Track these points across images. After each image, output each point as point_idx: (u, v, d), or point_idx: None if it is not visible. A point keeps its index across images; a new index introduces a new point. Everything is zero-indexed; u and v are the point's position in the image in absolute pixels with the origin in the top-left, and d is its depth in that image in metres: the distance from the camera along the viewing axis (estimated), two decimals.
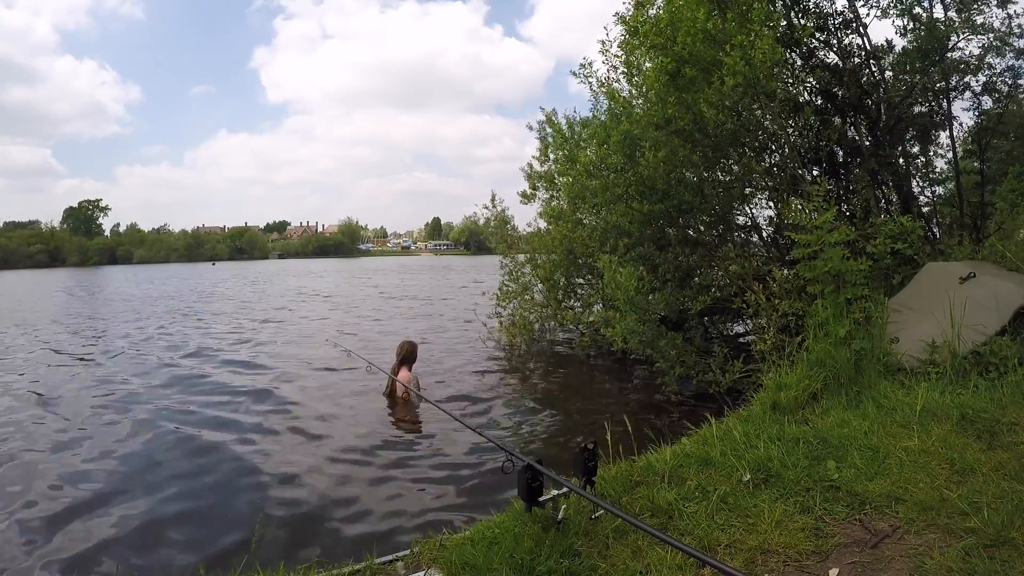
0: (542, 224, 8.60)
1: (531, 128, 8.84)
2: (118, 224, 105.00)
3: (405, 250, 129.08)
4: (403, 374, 5.24)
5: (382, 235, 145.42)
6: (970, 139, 5.63)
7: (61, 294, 22.76)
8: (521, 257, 8.68)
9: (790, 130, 5.32)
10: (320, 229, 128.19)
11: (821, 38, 5.57)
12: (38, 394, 6.04)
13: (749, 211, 5.96)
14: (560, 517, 1.67)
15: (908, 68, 5.22)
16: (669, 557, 1.52)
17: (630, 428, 2.93)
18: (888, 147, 5.28)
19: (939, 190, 5.89)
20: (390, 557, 1.74)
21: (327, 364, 7.22)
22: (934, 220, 5.64)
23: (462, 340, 8.90)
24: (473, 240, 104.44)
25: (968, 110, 5.44)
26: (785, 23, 5.30)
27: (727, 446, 2.21)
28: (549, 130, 8.50)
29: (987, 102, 5.29)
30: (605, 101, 6.67)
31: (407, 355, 5.41)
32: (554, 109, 8.50)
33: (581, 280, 7.92)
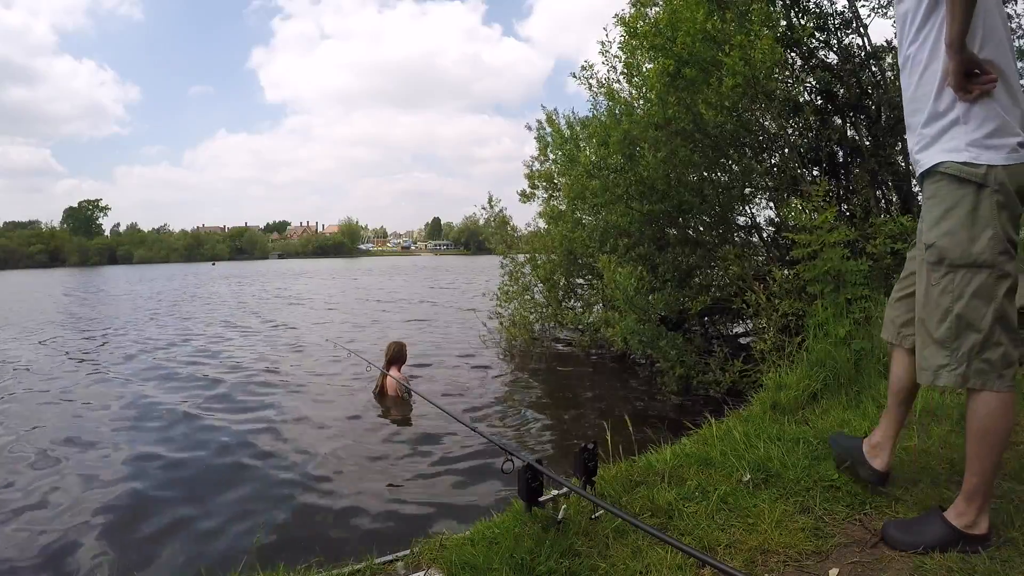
0: (542, 224, 8.61)
1: (530, 128, 8.84)
2: (118, 224, 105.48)
3: (405, 250, 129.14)
4: (393, 374, 5.24)
5: (382, 235, 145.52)
6: None
7: (53, 297, 22.76)
8: (521, 257, 8.68)
9: (790, 130, 5.32)
10: (320, 229, 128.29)
11: (821, 38, 5.57)
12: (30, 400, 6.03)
13: (749, 211, 5.96)
14: (560, 517, 1.67)
15: None
16: (669, 557, 1.52)
17: (630, 428, 2.93)
18: (888, 147, 5.28)
19: None
20: (390, 557, 1.74)
21: (323, 364, 7.23)
22: None
23: (462, 340, 8.90)
24: (473, 240, 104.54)
25: None
26: (785, 23, 5.30)
27: (727, 446, 2.21)
28: (548, 129, 8.49)
29: None
30: (604, 101, 6.67)
31: (395, 355, 5.42)
32: (555, 109, 8.49)
33: (581, 280, 7.92)
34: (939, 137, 1.40)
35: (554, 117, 8.43)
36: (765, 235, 6.01)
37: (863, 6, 5.37)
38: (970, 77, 1.33)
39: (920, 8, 1.40)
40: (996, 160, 1.34)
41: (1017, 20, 4.95)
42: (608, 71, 6.63)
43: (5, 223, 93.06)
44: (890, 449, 1.72)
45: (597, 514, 1.71)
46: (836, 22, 5.55)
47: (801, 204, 4.08)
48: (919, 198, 5.67)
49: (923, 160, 1.44)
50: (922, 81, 1.42)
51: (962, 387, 1.41)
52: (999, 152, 1.34)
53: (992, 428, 1.37)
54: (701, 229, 6.04)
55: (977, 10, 1.31)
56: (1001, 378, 1.37)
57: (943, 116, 1.39)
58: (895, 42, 5.56)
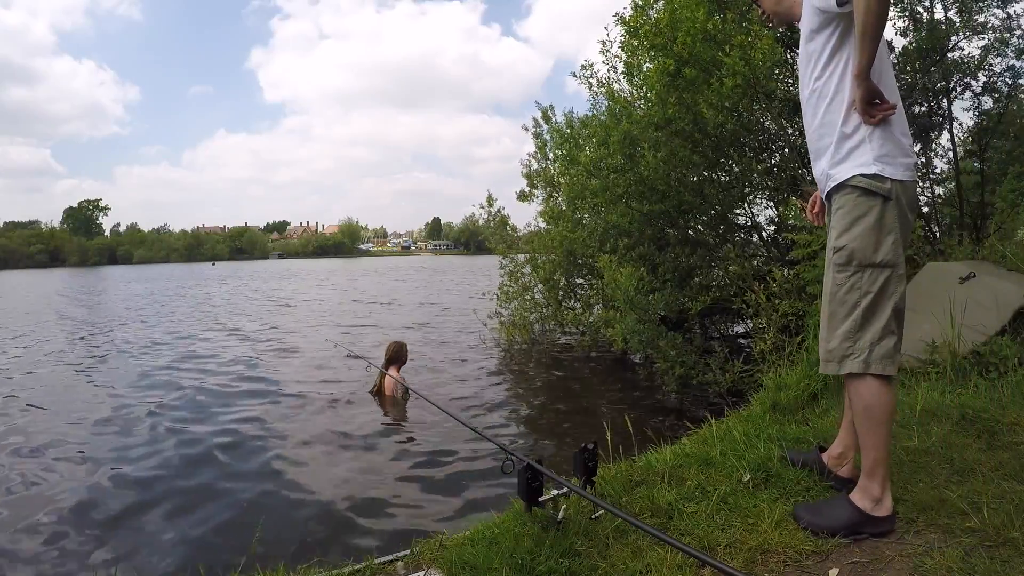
0: (542, 224, 8.62)
1: (527, 129, 8.85)
2: (118, 224, 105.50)
3: (405, 250, 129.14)
4: (392, 374, 5.24)
5: (382, 235, 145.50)
6: (970, 139, 5.62)
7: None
8: (521, 257, 8.68)
9: (790, 130, 5.31)
10: (320, 229, 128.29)
11: None
12: (31, 404, 6.04)
13: (749, 211, 5.96)
14: (560, 517, 1.67)
15: (908, 68, 5.22)
16: (669, 557, 1.52)
17: (630, 428, 2.93)
18: None
19: (939, 190, 5.88)
20: (390, 557, 1.74)
21: (321, 364, 7.23)
22: (934, 220, 5.64)
23: (462, 340, 8.90)
24: (473, 240, 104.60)
25: (968, 110, 5.42)
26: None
27: (727, 446, 2.20)
28: (545, 127, 8.50)
29: (987, 102, 5.28)
30: (605, 101, 6.67)
31: (394, 355, 5.42)
32: (551, 105, 8.50)
33: (581, 280, 7.92)
34: (849, 155, 1.58)
35: (550, 114, 8.43)
36: (765, 235, 6.01)
37: None
38: (872, 105, 1.53)
39: (826, 49, 1.61)
40: (897, 175, 1.54)
41: (1017, 20, 4.95)
42: (608, 71, 6.64)
43: (5, 223, 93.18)
44: (852, 457, 1.85)
45: (597, 514, 1.71)
46: None
47: (801, 204, 4.08)
48: (921, 194, 5.64)
49: (836, 175, 1.62)
50: (829, 110, 1.62)
51: (864, 372, 1.57)
52: (898, 169, 1.55)
53: (878, 406, 1.57)
54: (701, 229, 6.04)
55: (881, 51, 1.52)
56: (893, 363, 1.57)
57: (851, 137, 1.58)
58: (895, 42, 5.58)
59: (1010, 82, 5.16)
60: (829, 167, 1.64)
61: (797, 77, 5.76)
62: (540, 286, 8.24)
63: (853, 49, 1.52)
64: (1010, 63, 5.09)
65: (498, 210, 9.24)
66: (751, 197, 5.79)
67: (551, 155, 8.47)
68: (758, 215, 5.99)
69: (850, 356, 1.58)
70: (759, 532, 1.62)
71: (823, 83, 1.63)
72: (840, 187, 1.61)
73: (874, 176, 1.53)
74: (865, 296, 1.56)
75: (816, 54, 1.64)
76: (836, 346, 1.61)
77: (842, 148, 1.59)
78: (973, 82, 5.19)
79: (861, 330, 1.56)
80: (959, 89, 5.27)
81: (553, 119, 8.45)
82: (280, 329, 10.86)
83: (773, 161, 5.44)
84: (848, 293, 1.59)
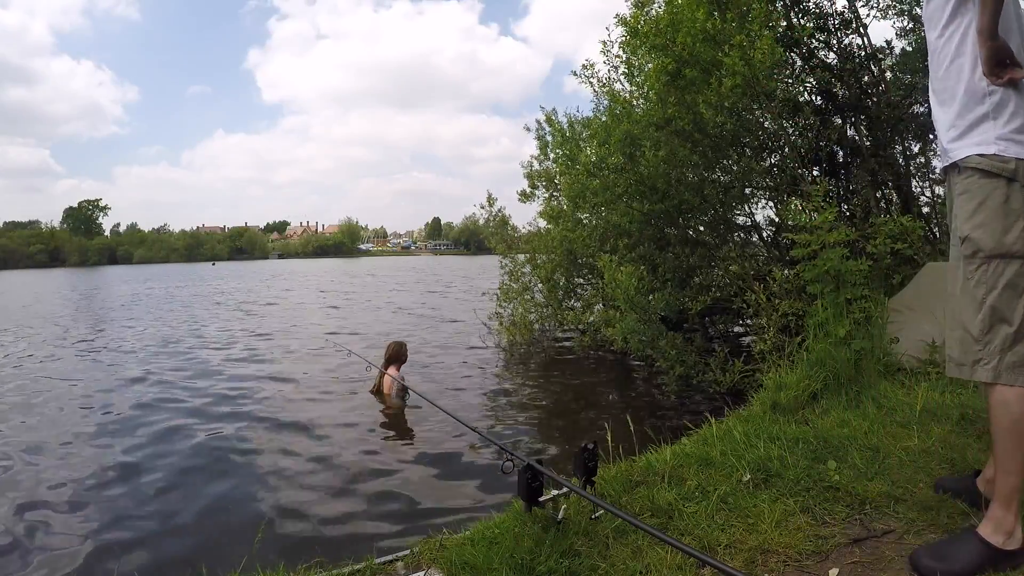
0: (542, 224, 8.62)
1: (528, 130, 8.87)
2: (118, 224, 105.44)
3: (405, 250, 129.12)
4: (391, 372, 5.25)
5: (382, 235, 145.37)
6: None
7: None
8: (521, 257, 8.68)
9: (790, 130, 5.31)
10: (320, 229, 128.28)
11: (821, 38, 5.57)
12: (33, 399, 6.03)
13: (749, 211, 5.96)
14: (560, 517, 1.67)
15: (908, 68, 5.22)
16: (669, 557, 1.52)
17: (630, 428, 2.92)
18: (888, 147, 5.28)
19: (939, 190, 5.88)
20: (390, 557, 1.74)
21: (320, 363, 7.23)
22: (934, 220, 5.64)
23: (462, 340, 8.90)
24: (473, 240, 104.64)
25: None
26: (785, 23, 5.30)
27: (727, 446, 2.21)
28: (548, 128, 8.51)
29: None
30: (606, 101, 6.68)
31: (393, 355, 5.43)
32: (554, 109, 8.53)
33: (581, 280, 7.93)
34: (969, 131, 1.42)
35: (554, 117, 8.46)
36: (765, 235, 6.01)
37: (863, 6, 5.37)
38: (1001, 65, 1.35)
39: (948, 4, 1.43)
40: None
41: (1017, 21, 4.95)
42: (609, 71, 6.65)
43: (5, 223, 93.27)
44: None
45: (597, 514, 1.71)
46: (836, 22, 5.56)
47: (801, 204, 4.07)
48: (921, 195, 5.60)
49: (953, 152, 1.46)
50: (947, 74, 1.45)
51: (994, 381, 1.37)
52: None
53: None
54: (701, 229, 6.04)
55: (1008, 11, 1.37)
56: None
57: (971, 111, 1.41)
58: (895, 42, 5.59)
59: None
60: (947, 141, 1.47)
61: (796, 77, 5.73)
62: (540, 286, 8.24)
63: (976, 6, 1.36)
64: None
65: (499, 210, 9.25)
66: (751, 197, 5.79)
67: (552, 155, 8.49)
68: (758, 215, 6.00)
69: (980, 362, 1.38)
70: (759, 532, 1.62)
71: (943, 43, 1.45)
72: (960, 169, 1.44)
73: (994, 156, 1.36)
74: (991, 292, 1.38)
75: (940, 6, 1.45)
76: (966, 349, 1.43)
77: (961, 121, 1.42)
78: None
79: (990, 332, 1.38)
80: None
81: (556, 120, 8.48)
82: (278, 329, 10.85)
83: (773, 161, 5.44)
84: (975, 288, 1.40)
